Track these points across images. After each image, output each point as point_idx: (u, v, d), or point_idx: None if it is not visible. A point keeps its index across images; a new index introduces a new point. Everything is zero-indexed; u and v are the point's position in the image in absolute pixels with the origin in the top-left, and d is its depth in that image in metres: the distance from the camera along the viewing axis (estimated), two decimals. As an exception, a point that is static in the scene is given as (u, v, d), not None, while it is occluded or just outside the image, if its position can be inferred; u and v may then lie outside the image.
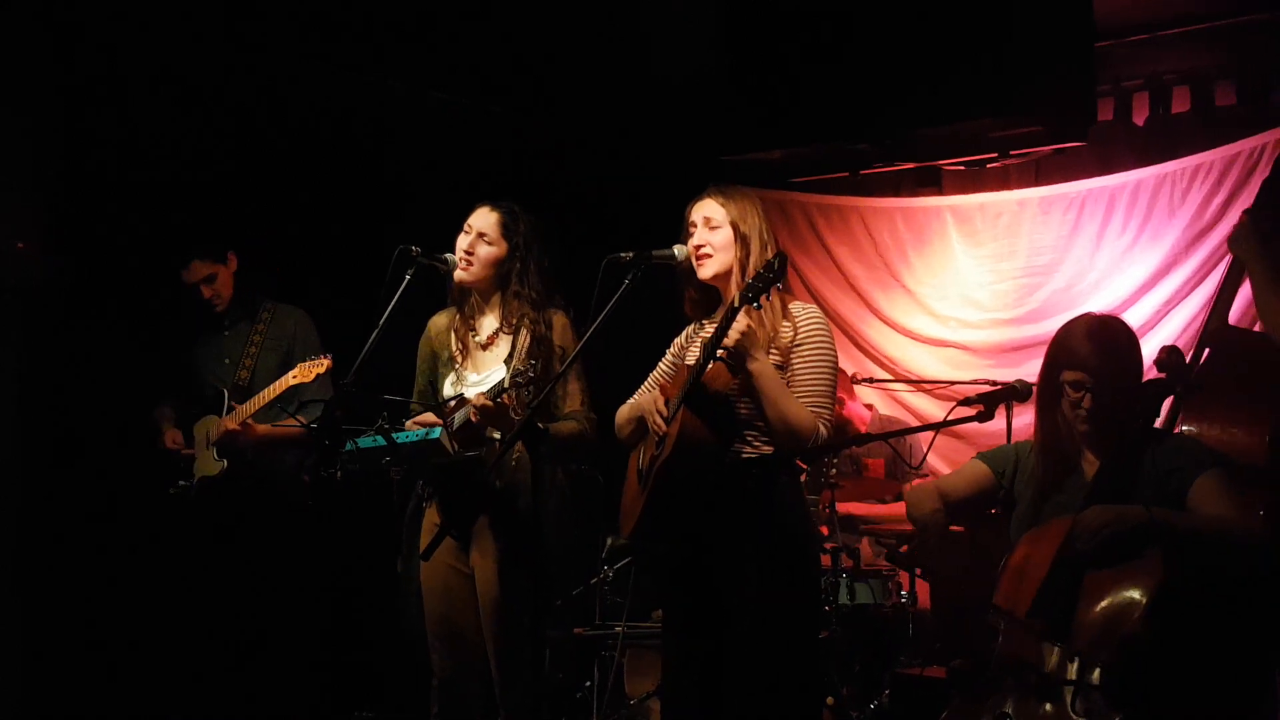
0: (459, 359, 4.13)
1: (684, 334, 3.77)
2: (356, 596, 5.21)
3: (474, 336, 4.14)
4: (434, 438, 3.97)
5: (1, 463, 5.00)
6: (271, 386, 4.78)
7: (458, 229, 4.13)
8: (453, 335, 4.17)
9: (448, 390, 4.10)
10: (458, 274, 4.08)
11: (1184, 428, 3.75)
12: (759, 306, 3.32)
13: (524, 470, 3.92)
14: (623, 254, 3.50)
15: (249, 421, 4.82)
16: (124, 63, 5.14)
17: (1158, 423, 3.53)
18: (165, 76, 5.25)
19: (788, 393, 3.38)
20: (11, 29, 4.88)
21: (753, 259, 3.48)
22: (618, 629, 5.06)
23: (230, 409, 4.93)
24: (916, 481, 5.70)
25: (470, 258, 4.05)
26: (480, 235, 4.06)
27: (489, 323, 4.13)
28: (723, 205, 3.54)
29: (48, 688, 5.06)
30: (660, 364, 3.80)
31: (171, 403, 5.14)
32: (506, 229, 4.07)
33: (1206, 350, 3.88)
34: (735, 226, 3.51)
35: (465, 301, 4.16)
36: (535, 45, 5.88)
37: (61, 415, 5.14)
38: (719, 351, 3.34)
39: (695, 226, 3.56)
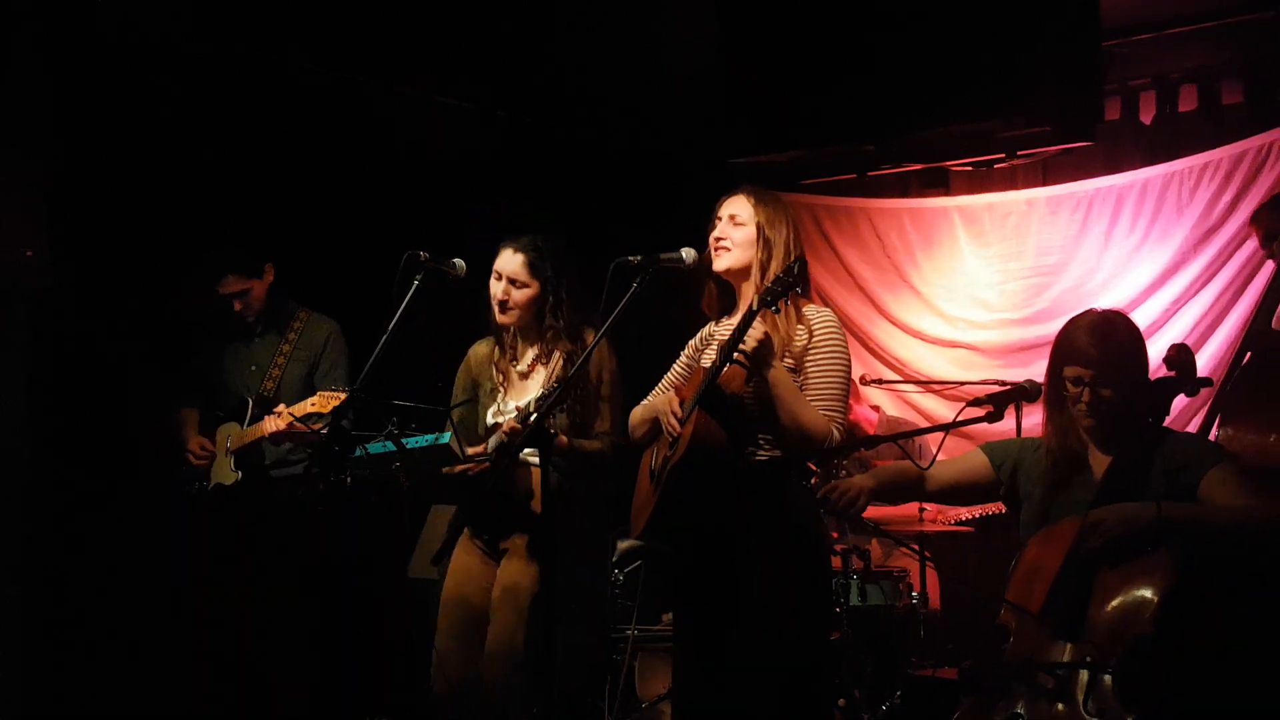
0: (501, 389, 4.16)
1: (699, 335, 3.78)
2: (368, 602, 5.20)
3: (515, 366, 4.17)
4: (443, 442, 3.98)
5: (9, 468, 5.00)
6: (293, 409, 4.74)
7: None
8: (493, 367, 4.20)
9: (489, 419, 4.13)
10: (499, 318, 4.13)
11: (1222, 432, 3.74)
12: (777, 311, 3.34)
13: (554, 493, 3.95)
14: (631, 257, 3.51)
15: (295, 424, 4.78)
16: (127, 65, 5.14)
17: (1192, 427, 3.53)
18: (169, 78, 5.25)
19: (801, 397, 3.39)
20: (11, 30, 4.89)
21: (774, 263, 3.49)
22: (629, 632, 5.06)
23: (254, 418, 4.93)
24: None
25: (506, 304, 4.10)
26: (511, 281, 4.09)
27: (529, 352, 4.17)
28: (752, 205, 3.57)
29: (53, 690, 5.06)
30: (675, 365, 3.81)
31: (195, 405, 5.13)
32: (535, 268, 4.10)
33: (1249, 353, 3.87)
34: (760, 229, 3.53)
35: (504, 333, 4.19)
36: (541, 49, 5.88)
37: (68, 420, 5.14)
38: (735, 355, 3.35)
39: (720, 220, 3.58)
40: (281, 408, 4.77)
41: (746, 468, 3.41)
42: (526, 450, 3.97)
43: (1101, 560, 3.11)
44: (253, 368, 5.05)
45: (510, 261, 4.10)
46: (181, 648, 5.03)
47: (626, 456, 3.89)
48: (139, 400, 5.21)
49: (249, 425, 4.94)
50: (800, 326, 3.47)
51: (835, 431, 3.40)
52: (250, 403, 4.97)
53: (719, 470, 3.37)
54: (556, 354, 4.08)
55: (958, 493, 3.61)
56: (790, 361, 3.43)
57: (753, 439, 3.43)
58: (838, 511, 3.38)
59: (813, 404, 3.40)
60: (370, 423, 4.33)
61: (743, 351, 3.33)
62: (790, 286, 3.31)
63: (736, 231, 3.55)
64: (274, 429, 4.75)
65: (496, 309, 4.11)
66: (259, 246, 5.11)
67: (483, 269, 4.18)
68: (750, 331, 3.32)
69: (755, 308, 3.34)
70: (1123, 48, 5.86)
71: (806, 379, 3.44)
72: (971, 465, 3.53)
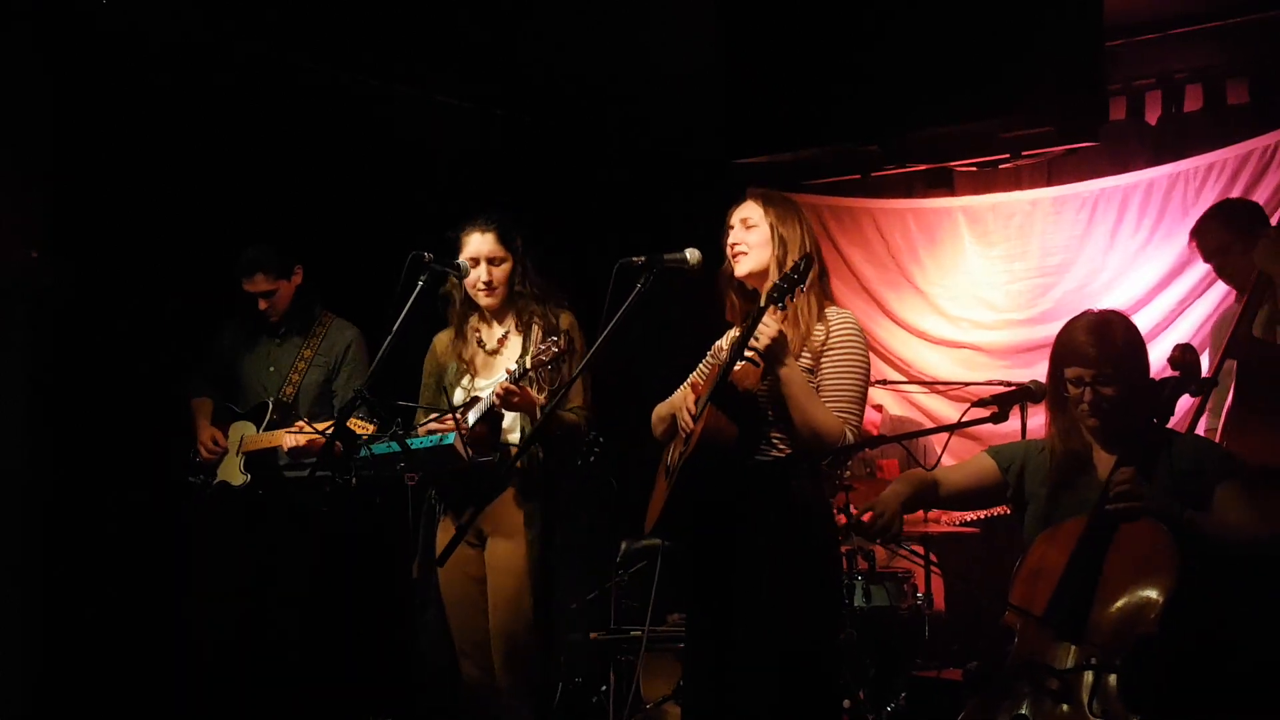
0: (468, 369, 4.16)
1: (725, 337, 3.79)
2: (370, 602, 5.21)
3: (483, 346, 4.17)
4: (447, 444, 3.99)
5: (11, 467, 5.01)
6: (318, 425, 4.71)
7: (461, 240, 4.15)
8: (459, 349, 4.21)
9: (458, 399, 4.13)
10: (485, 301, 4.12)
11: (1228, 443, 3.75)
12: (783, 307, 3.34)
13: (538, 468, 3.96)
14: (635, 258, 3.51)
15: (315, 440, 4.79)
16: (127, 64, 5.14)
17: (1181, 424, 3.54)
18: (168, 78, 5.25)
19: (815, 397, 3.38)
20: (14, 29, 4.89)
21: (791, 260, 3.49)
22: (634, 633, 5.06)
23: (271, 424, 4.93)
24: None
25: (491, 283, 4.12)
26: (490, 260, 4.12)
27: (497, 330, 4.17)
28: (762, 207, 3.58)
29: (59, 695, 5.07)
30: (700, 365, 3.82)
31: (209, 395, 5.13)
32: (505, 240, 4.15)
33: (1231, 361, 3.88)
34: (773, 228, 3.54)
35: (468, 318, 4.20)
36: (541, 49, 5.88)
37: (70, 420, 5.15)
38: (747, 353, 3.35)
39: (733, 228, 3.59)
40: (303, 423, 4.77)
41: (754, 466, 3.41)
42: (506, 425, 4.02)
43: (1125, 519, 3.12)
44: (272, 369, 5.06)
45: (483, 242, 4.13)
46: (184, 648, 5.03)
47: (629, 460, 3.90)
48: (147, 395, 5.22)
49: (265, 430, 4.94)
50: (820, 326, 3.47)
51: (849, 433, 3.39)
52: (269, 406, 4.97)
53: (728, 467, 3.37)
54: (534, 323, 4.10)
55: (969, 498, 3.60)
56: (808, 360, 3.43)
57: (765, 438, 3.43)
58: (874, 535, 3.35)
59: (827, 404, 3.40)
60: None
61: (754, 348, 3.34)
62: (796, 283, 3.33)
63: (751, 235, 3.56)
64: (292, 444, 4.77)
65: (481, 293, 4.13)
66: (286, 246, 5.10)
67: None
68: (763, 328, 3.32)
69: (763, 304, 3.35)
70: (1127, 47, 5.86)
71: (822, 379, 3.43)
72: (979, 470, 3.53)
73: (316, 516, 4.75)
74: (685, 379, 3.84)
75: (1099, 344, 3.26)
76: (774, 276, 3.51)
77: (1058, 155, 5.62)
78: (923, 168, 5.79)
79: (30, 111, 5.00)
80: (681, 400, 3.56)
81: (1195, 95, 5.96)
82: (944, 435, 3.81)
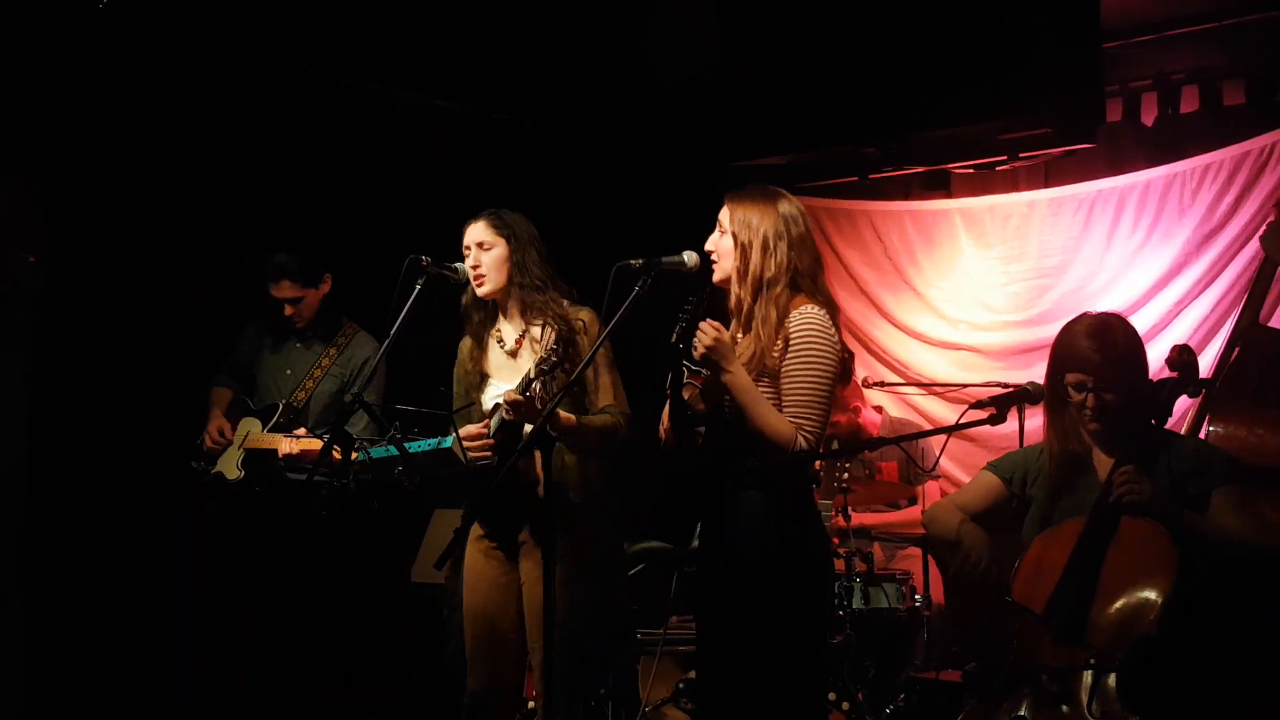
0: (492, 375, 4.13)
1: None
2: (370, 603, 5.21)
3: (503, 347, 4.13)
4: (445, 447, 3.98)
5: (9, 469, 5.01)
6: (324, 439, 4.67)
7: (461, 234, 4.15)
8: (480, 354, 4.17)
9: (488, 405, 4.10)
10: (479, 291, 4.05)
11: (1211, 428, 3.74)
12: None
13: (572, 471, 3.90)
14: (633, 261, 3.48)
15: (309, 451, 4.80)
16: (127, 67, 5.14)
17: (1184, 426, 3.54)
18: (168, 81, 5.25)
19: (761, 402, 3.27)
20: (15, 30, 4.89)
21: (752, 267, 3.37)
22: (636, 635, 5.07)
23: (277, 426, 4.93)
24: (926, 485, 5.70)
25: (479, 270, 4.03)
26: (479, 245, 4.03)
27: (512, 332, 4.11)
28: (730, 210, 3.46)
29: (59, 694, 5.07)
30: None
31: (230, 387, 5.14)
32: (498, 227, 4.05)
33: (1236, 349, 3.88)
34: (735, 236, 3.41)
35: (486, 323, 4.16)
36: (540, 50, 5.88)
37: (68, 423, 5.15)
38: (683, 365, 3.30)
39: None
40: (301, 432, 4.77)
41: (718, 475, 3.36)
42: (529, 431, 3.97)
43: (1128, 513, 3.13)
44: (289, 372, 5.07)
45: (474, 231, 4.05)
46: (184, 648, 5.03)
47: (630, 461, 3.89)
48: (146, 397, 5.22)
49: (269, 430, 4.94)
50: (782, 330, 3.35)
51: (802, 439, 3.24)
52: (279, 407, 4.98)
53: (683, 479, 3.36)
54: (548, 325, 4.01)
55: (987, 518, 3.54)
56: (772, 364, 3.36)
57: (724, 448, 3.35)
58: (976, 579, 3.35)
59: (785, 409, 3.27)
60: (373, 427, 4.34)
61: (691, 361, 3.27)
62: (689, 318, 3.27)
63: (722, 241, 3.46)
64: (286, 451, 4.77)
65: (472, 281, 4.03)
66: (314, 254, 5.10)
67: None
68: (700, 335, 3.25)
69: (673, 339, 3.29)
70: (1124, 49, 5.86)
71: (782, 383, 3.32)
72: (986, 488, 3.52)
73: (314, 518, 4.74)
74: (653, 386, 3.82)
75: (1101, 349, 3.25)
76: (735, 286, 3.41)
77: (1055, 157, 5.62)
78: (920, 170, 5.80)
79: (28, 113, 5.00)
80: (665, 413, 3.53)
81: (1191, 96, 5.96)
82: (942, 437, 3.81)
